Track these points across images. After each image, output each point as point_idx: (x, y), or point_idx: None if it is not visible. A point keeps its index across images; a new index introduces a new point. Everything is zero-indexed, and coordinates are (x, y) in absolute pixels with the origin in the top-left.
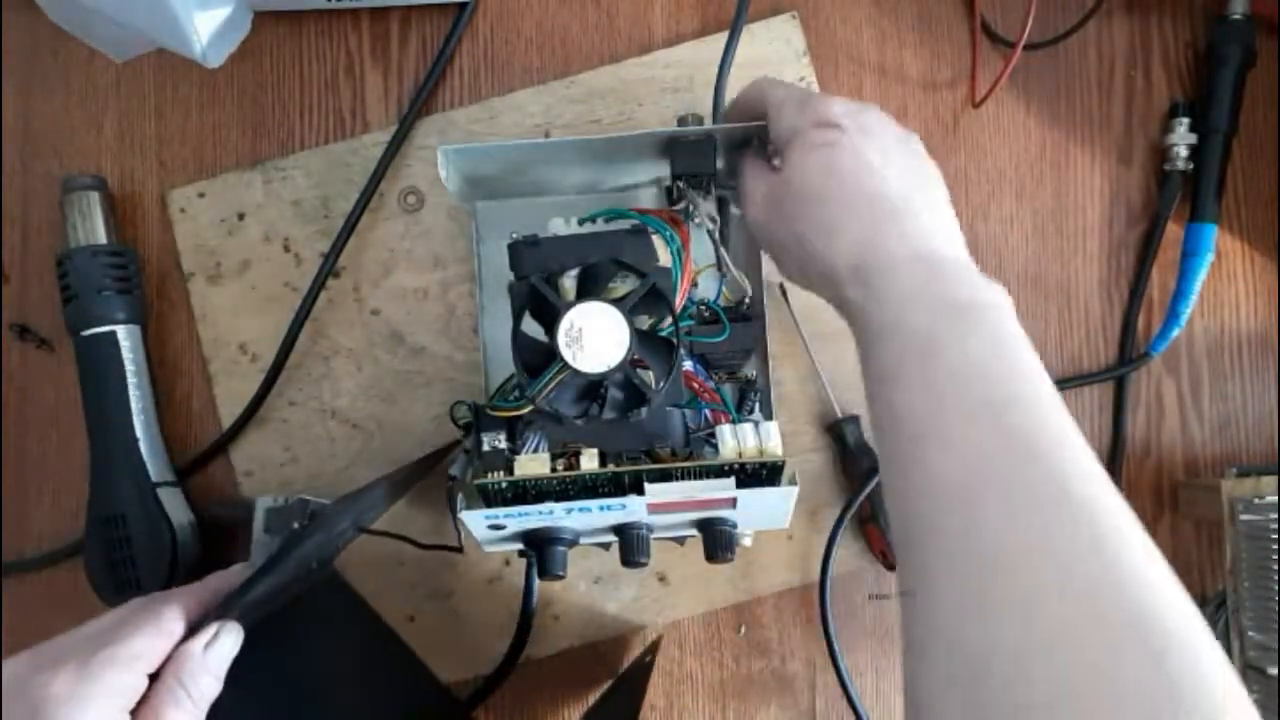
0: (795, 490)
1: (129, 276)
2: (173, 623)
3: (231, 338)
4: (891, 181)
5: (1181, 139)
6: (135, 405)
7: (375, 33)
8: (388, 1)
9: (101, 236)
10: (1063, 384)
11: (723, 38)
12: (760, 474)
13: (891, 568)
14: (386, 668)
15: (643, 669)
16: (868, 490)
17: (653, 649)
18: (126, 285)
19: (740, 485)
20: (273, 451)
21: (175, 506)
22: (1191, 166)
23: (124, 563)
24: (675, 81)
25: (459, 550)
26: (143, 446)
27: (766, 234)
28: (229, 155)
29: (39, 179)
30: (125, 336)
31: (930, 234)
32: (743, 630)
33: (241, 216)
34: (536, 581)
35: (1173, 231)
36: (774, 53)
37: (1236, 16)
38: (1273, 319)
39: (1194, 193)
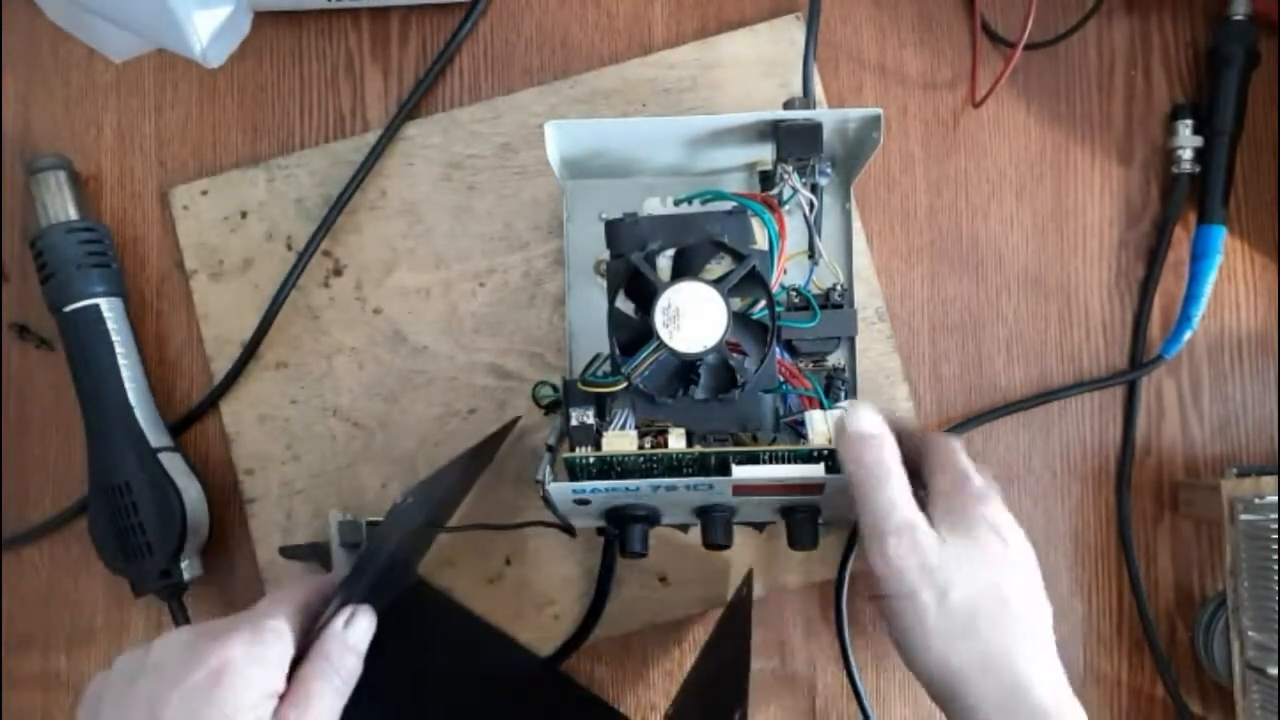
0: None
1: (104, 250)
2: (311, 603)
3: (234, 335)
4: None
5: (1187, 142)
6: (126, 374)
7: (375, 33)
8: (388, 1)
9: (72, 213)
10: (1075, 389)
11: (724, 38)
12: None
13: None
14: (484, 660)
15: (742, 602)
16: None
17: (748, 581)
18: (103, 259)
19: (829, 471)
20: (274, 450)
21: (178, 471)
22: (1197, 169)
23: (131, 530)
24: (679, 82)
25: (572, 533)
26: (138, 414)
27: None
28: (229, 155)
29: None
30: (108, 309)
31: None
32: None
33: (244, 214)
34: (616, 559)
35: (1174, 232)
36: (778, 53)
37: (1238, 17)
38: (1273, 319)
39: (1201, 195)
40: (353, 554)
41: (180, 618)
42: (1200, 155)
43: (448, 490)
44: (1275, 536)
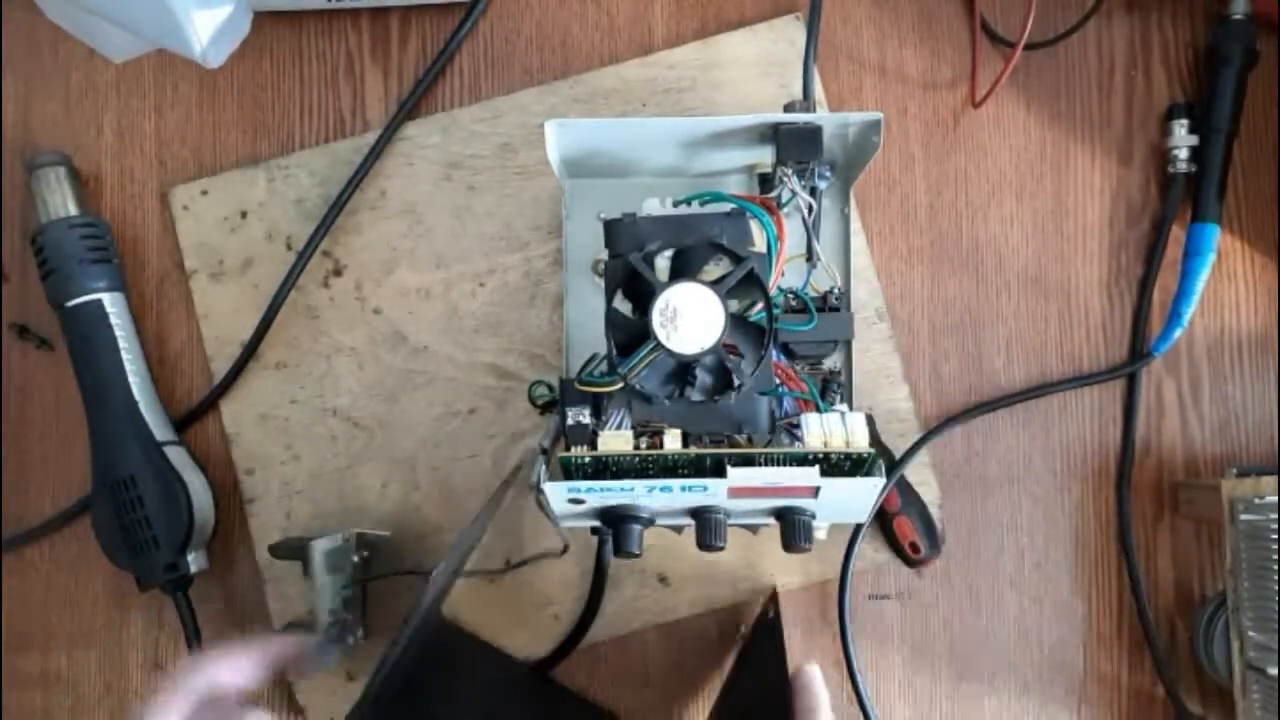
0: (881, 482)
1: (105, 245)
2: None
3: (234, 335)
4: None
5: (1182, 141)
6: (130, 368)
7: (375, 33)
8: (388, 1)
9: (73, 209)
10: (1066, 385)
11: (724, 38)
12: (844, 465)
13: (911, 563)
14: (513, 691)
15: (769, 625)
16: (890, 485)
17: (774, 602)
18: (105, 254)
19: (824, 475)
20: (274, 450)
21: (184, 464)
22: (1194, 168)
23: (138, 524)
24: (678, 82)
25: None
26: (143, 407)
27: None
28: (229, 155)
29: None
30: (111, 303)
31: None
32: (743, 630)
33: (244, 214)
34: (609, 559)
35: (1173, 231)
36: (778, 53)
37: (1237, 16)
38: (1273, 319)
39: (1195, 193)
40: (335, 576)
41: (186, 611)
42: (1196, 154)
43: (471, 542)
44: (1275, 536)
